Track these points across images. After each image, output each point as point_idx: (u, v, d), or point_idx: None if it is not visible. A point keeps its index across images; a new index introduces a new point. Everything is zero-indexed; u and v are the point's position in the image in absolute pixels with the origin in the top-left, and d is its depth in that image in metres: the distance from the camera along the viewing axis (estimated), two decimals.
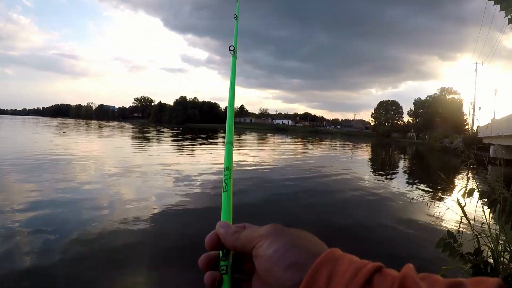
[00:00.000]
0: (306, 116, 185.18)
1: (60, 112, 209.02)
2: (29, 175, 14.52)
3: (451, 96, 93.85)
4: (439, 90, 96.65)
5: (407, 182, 18.76)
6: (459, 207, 3.52)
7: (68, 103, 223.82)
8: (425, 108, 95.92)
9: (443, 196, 14.50)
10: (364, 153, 41.43)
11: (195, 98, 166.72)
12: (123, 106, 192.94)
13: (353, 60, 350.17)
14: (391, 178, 19.80)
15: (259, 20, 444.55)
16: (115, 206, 10.38)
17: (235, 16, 1.50)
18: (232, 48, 1.30)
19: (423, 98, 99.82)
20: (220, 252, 0.61)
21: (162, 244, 7.63)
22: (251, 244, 0.54)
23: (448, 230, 3.01)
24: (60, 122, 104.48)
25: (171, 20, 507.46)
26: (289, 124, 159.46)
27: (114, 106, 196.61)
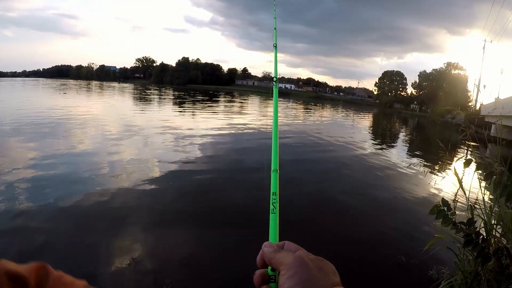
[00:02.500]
0: (309, 82, 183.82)
1: (61, 73, 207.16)
2: (30, 137, 14.54)
3: (456, 71, 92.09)
4: (445, 65, 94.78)
5: (406, 152, 18.91)
6: (456, 176, 3.51)
7: (69, 64, 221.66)
8: (430, 82, 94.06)
9: (440, 167, 14.60)
10: (365, 121, 41.37)
11: (198, 59, 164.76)
12: (124, 67, 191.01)
13: (360, 27, 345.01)
14: (390, 147, 19.90)
15: None
16: (115, 167, 10.46)
17: (274, 45, 1.57)
18: (274, 79, 1.33)
19: (428, 71, 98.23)
20: (269, 267, 0.69)
21: (160, 204, 7.73)
22: (279, 268, 0.64)
23: (443, 198, 3.01)
24: (61, 83, 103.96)
25: None
26: (292, 88, 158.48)
27: (115, 67, 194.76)
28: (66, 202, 7.71)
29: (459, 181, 3.42)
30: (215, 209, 7.43)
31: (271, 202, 0.82)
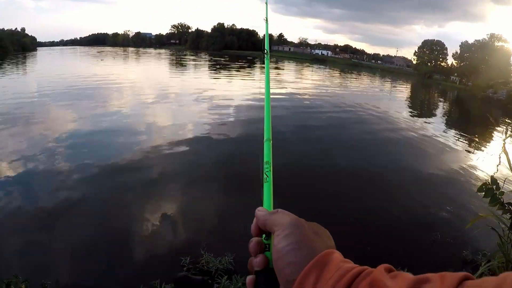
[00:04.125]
0: (346, 49, 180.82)
1: (98, 41, 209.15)
2: (69, 102, 14.91)
3: (500, 43, 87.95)
4: (488, 36, 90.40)
5: (446, 126, 18.19)
6: (505, 155, 3.20)
7: (105, 32, 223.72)
8: (472, 53, 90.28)
9: (483, 143, 14.00)
10: (403, 92, 40.21)
11: (233, 25, 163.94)
12: (160, 33, 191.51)
13: None
14: (428, 120, 19.22)
15: None
16: (150, 131, 10.62)
17: (265, 19, 1.51)
18: (265, 51, 1.31)
19: (470, 41, 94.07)
20: (264, 235, 0.69)
21: (193, 167, 7.89)
22: (274, 228, 0.62)
23: (492, 176, 2.85)
24: (98, 50, 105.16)
25: None
26: (329, 55, 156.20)
27: (151, 33, 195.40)
28: (103, 163, 7.97)
29: (508, 160, 3.11)
30: (246, 173, 7.27)
31: (264, 171, 0.83)
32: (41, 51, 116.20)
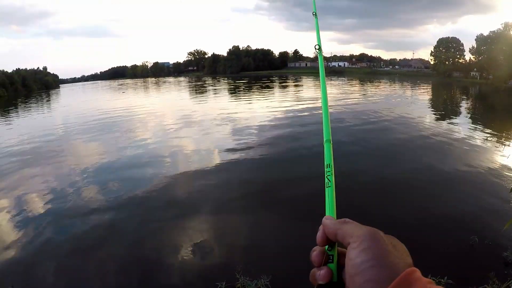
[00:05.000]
0: (363, 57, 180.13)
1: (117, 74, 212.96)
2: (95, 135, 15.47)
3: None
4: (503, 25, 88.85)
5: (471, 123, 17.81)
6: None
7: (124, 65, 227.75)
8: (488, 45, 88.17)
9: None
10: (423, 94, 39.83)
11: (248, 46, 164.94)
12: (177, 61, 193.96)
13: None
14: (453, 119, 19.00)
15: None
16: (177, 156, 10.88)
17: (314, 13, 1.49)
18: (317, 47, 1.27)
19: (485, 34, 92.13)
20: (327, 246, 0.64)
21: (223, 190, 7.92)
22: (347, 240, 0.57)
23: None
24: (119, 83, 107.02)
25: None
26: (345, 66, 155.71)
27: (168, 62, 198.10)
28: (132, 192, 8.15)
29: None
30: (276, 194, 7.47)
31: (325, 176, 0.78)
32: (63, 88, 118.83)
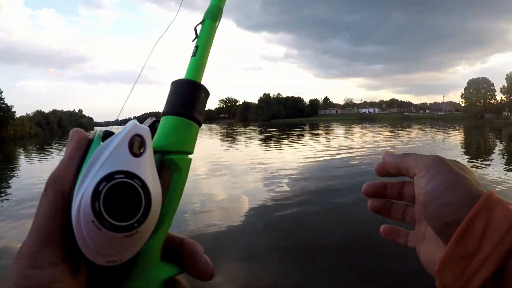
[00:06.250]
0: (393, 103, 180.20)
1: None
2: None
3: None
4: None
5: (505, 166, 17.37)
6: None
7: (157, 111, 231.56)
8: None
9: None
10: (456, 137, 39.28)
11: (279, 94, 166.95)
12: (209, 109, 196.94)
13: (434, 37, 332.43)
14: (488, 162, 18.71)
15: (330, 7, 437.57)
16: (205, 204, 10.88)
17: None
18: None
19: None
20: None
21: (251, 242, 7.79)
22: (413, 170, 0.55)
23: None
24: None
25: (243, 20, 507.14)
26: (376, 112, 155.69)
27: None
28: None
29: None
30: (305, 246, 7.39)
31: None
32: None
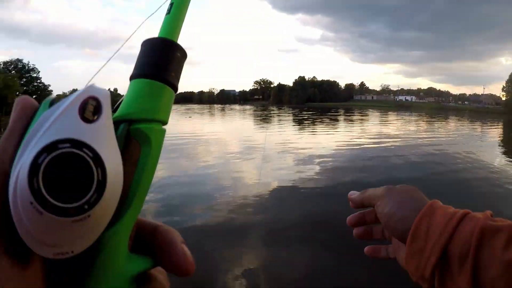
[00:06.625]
0: (430, 92, 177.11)
1: (184, 99, 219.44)
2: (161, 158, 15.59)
3: None
4: None
5: None
6: None
7: (191, 90, 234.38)
8: None
9: None
10: (494, 133, 38.04)
11: (314, 77, 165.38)
12: (243, 90, 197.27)
13: (477, 25, 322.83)
14: None
15: None
16: (237, 185, 10.84)
17: None
18: None
19: None
20: None
21: (279, 222, 7.76)
22: (373, 201, 0.72)
23: None
24: (186, 108, 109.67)
25: (278, 1, 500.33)
26: (412, 100, 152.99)
27: (234, 90, 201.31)
28: (189, 212, 8.42)
29: None
30: (337, 231, 7.22)
31: None
32: None
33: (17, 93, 55.32)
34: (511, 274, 0.48)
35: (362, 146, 19.24)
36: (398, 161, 14.77)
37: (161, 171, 12.42)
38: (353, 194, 0.79)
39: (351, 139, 22.67)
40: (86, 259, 0.32)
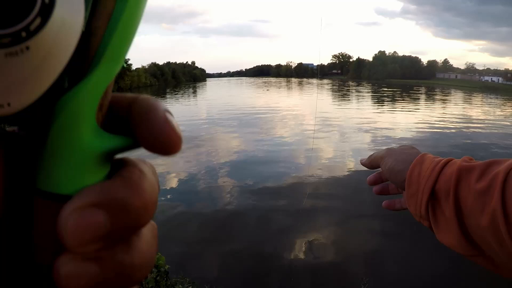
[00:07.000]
0: None
1: (262, 72, 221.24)
2: (235, 128, 16.96)
3: None
4: None
5: None
6: None
7: (268, 64, 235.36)
8: None
9: None
10: None
11: (395, 52, 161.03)
12: (322, 64, 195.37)
13: None
14: None
15: None
16: (312, 158, 11.05)
17: None
18: None
19: None
20: None
21: (354, 199, 7.82)
22: (378, 162, 0.85)
23: None
24: (263, 81, 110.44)
25: None
26: (499, 82, 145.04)
27: (312, 64, 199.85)
28: (262, 185, 8.66)
29: None
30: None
31: None
32: (210, 82, 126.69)
33: None
34: (482, 200, 0.57)
35: (445, 130, 18.53)
36: (483, 153, 14.12)
37: (237, 143, 12.81)
38: (363, 159, 0.92)
39: (434, 121, 21.83)
40: (39, 129, 0.24)
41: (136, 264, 0.24)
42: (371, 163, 0.88)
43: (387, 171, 0.80)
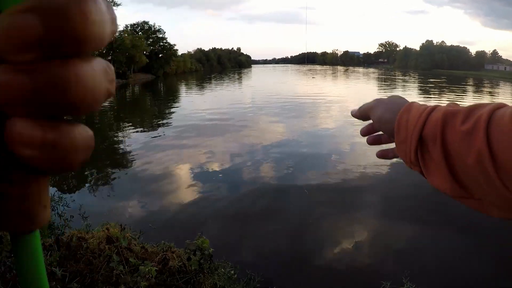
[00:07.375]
0: None
1: (307, 59, 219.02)
2: (279, 116, 17.48)
3: None
4: None
5: None
6: None
7: (314, 51, 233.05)
8: None
9: None
10: None
11: (442, 41, 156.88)
12: (367, 52, 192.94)
13: None
14: None
15: None
16: (354, 149, 11.40)
17: None
18: None
19: None
20: None
21: (393, 194, 7.84)
22: (367, 113, 0.85)
23: None
24: (308, 68, 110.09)
25: None
26: None
27: (358, 52, 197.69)
28: (304, 174, 9.04)
29: None
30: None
31: None
32: (255, 68, 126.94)
33: (144, 52, 60.04)
34: (467, 140, 0.58)
35: None
36: None
37: (282, 130, 14.11)
38: (353, 111, 0.93)
39: None
40: None
41: (74, 90, 0.22)
42: (361, 114, 0.89)
43: (377, 121, 0.82)
